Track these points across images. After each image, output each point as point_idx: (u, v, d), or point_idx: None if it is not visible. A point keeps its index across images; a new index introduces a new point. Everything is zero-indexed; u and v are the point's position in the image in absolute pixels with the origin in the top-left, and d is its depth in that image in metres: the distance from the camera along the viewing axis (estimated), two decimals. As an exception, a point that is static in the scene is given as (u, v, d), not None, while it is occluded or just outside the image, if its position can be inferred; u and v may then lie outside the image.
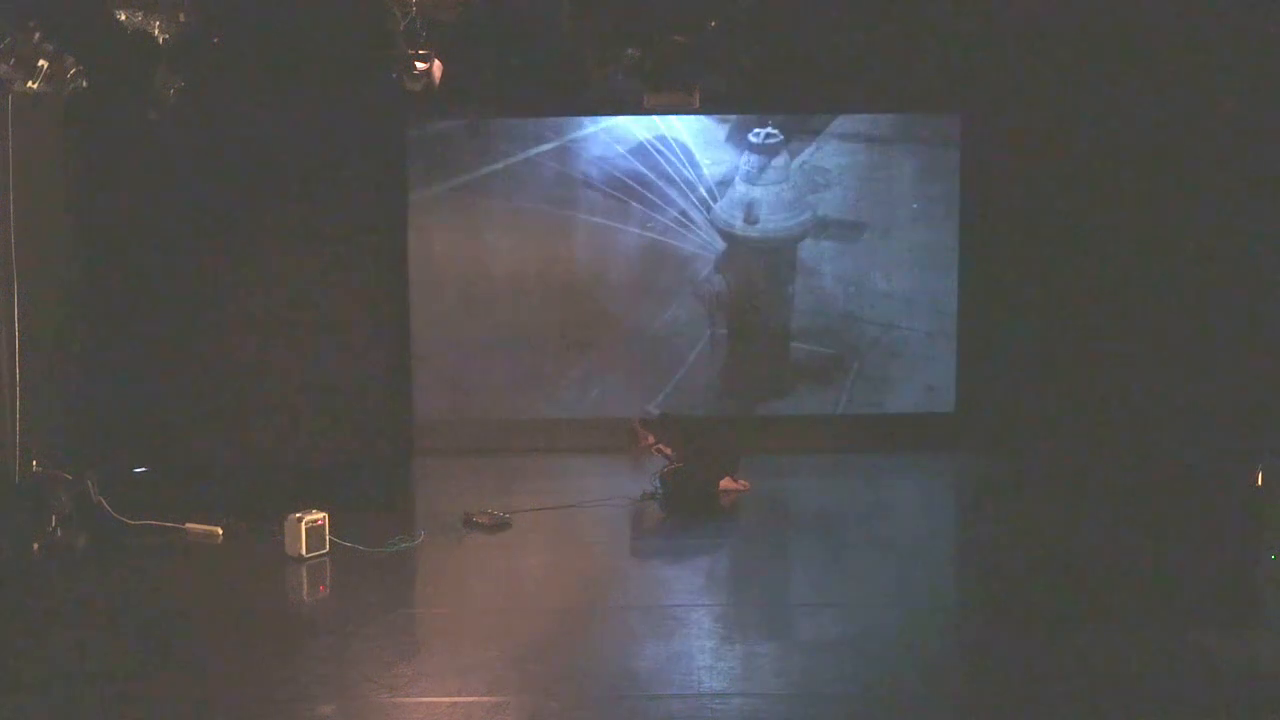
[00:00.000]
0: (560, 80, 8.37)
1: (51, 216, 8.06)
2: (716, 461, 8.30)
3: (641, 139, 9.63)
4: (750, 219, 9.71)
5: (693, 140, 9.65)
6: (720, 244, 9.74)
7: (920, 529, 7.92)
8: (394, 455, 9.35)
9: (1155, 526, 7.27)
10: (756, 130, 9.65)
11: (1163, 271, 9.01)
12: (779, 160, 9.67)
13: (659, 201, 9.67)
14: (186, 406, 9.12)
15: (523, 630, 5.67)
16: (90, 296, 8.62)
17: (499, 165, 9.64)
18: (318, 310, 9.23)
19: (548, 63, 8.22)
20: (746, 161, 9.68)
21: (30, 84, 6.66)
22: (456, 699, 4.82)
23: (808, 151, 9.69)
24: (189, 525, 7.30)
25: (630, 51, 7.55)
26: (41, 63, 6.60)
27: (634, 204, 9.67)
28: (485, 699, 4.81)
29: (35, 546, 6.73)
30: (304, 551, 6.67)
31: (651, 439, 8.30)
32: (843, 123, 9.69)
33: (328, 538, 6.80)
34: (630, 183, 9.65)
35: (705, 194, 9.69)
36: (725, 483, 8.28)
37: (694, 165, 9.66)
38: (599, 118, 9.57)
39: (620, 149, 9.64)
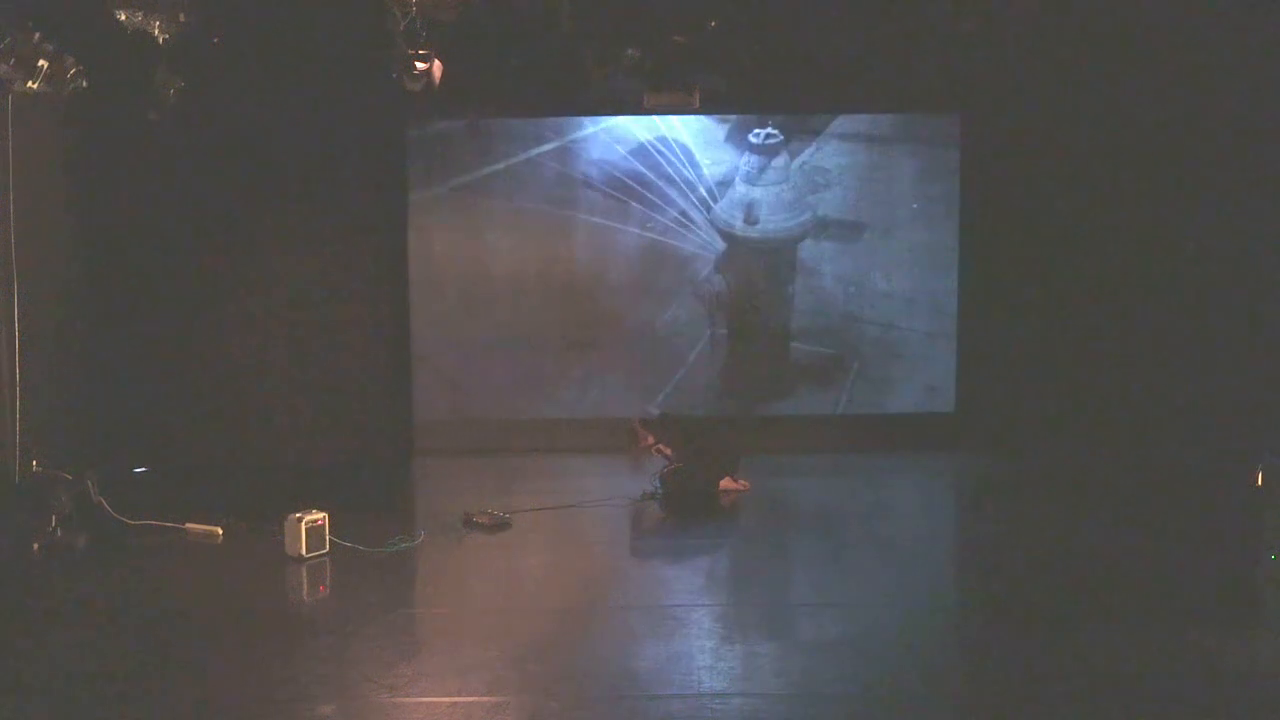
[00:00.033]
0: (560, 80, 8.36)
1: (51, 216, 8.07)
2: (716, 462, 8.31)
3: (641, 139, 9.63)
4: (750, 219, 9.70)
5: (693, 140, 9.65)
6: (720, 244, 9.74)
7: (920, 529, 7.90)
8: (394, 455, 9.34)
9: (1155, 526, 7.28)
10: (756, 130, 9.65)
11: (1162, 271, 9.01)
12: (779, 160, 9.67)
13: (659, 202, 9.67)
14: (186, 406, 9.13)
15: (523, 630, 5.67)
16: (90, 296, 8.63)
17: (499, 165, 9.64)
18: (318, 310, 9.23)
19: (548, 63, 8.21)
20: (746, 162, 9.68)
21: (30, 84, 6.66)
22: (456, 699, 4.82)
23: (808, 152, 9.68)
24: (189, 525, 7.30)
25: (630, 51, 7.57)
26: (41, 63, 6.60)
27: (634, 204, 9.67)
28: (485, 699, 4.81)
29: (35, 546, 6.74)
30: (304, 551, 6.67)
31: (651, 439, 8.31)
32: (843, 123, 9.69)
33: (328, 538, 6.80)
34: (630, 183, 9.65)
35: (705, 194, 9.69)
36: (725, 483, 8.29)
37: (694, 165, 9.66)
38: (599, 118, 9.57)
39: (620, 149, 9.64)
